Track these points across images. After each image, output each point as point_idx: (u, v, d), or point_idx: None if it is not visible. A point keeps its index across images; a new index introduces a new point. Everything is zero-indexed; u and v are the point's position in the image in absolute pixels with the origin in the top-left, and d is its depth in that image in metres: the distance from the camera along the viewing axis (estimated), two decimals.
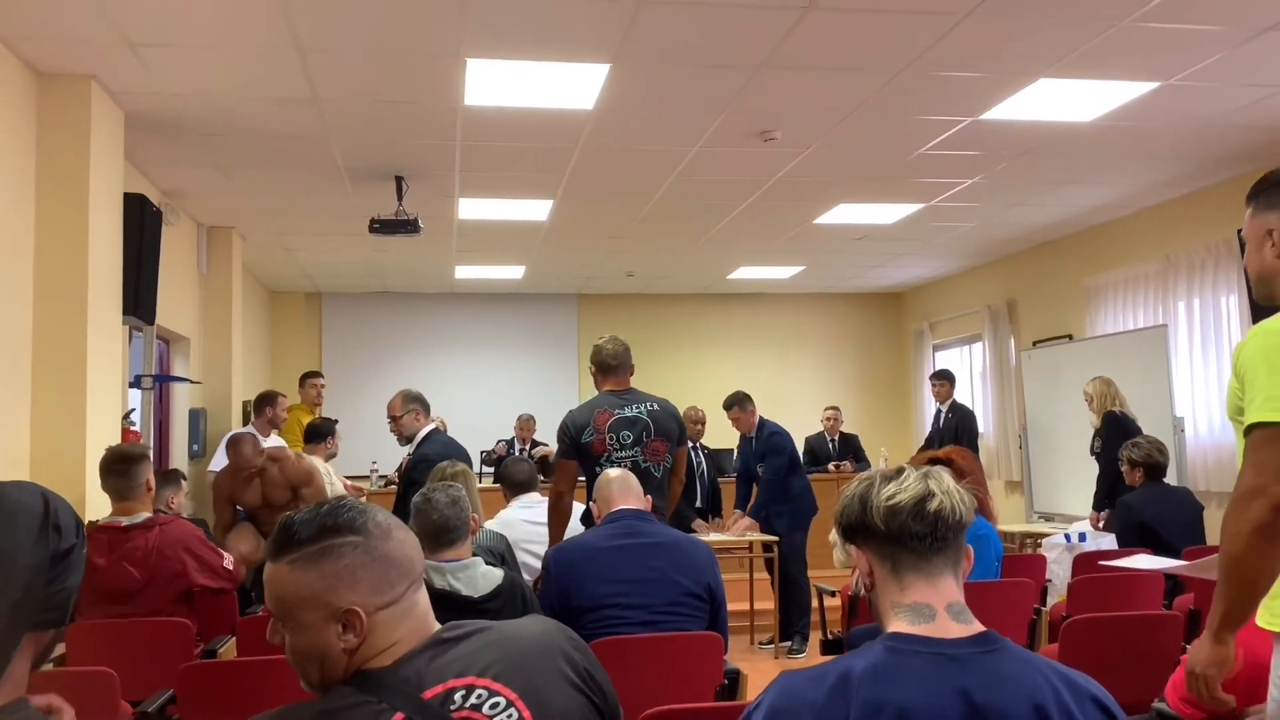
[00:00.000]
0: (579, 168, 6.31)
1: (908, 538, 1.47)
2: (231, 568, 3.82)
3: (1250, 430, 1.94)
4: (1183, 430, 7.05)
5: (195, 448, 7.43)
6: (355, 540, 1.41)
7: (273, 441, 6.17)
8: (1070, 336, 8.76)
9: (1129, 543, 5.05)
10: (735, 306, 11.76)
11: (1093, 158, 6.39)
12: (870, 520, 1.49)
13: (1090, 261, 8.49)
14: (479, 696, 1.36)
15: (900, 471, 1.54)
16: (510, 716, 1.36)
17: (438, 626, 1.46)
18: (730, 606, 3.31)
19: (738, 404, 6.82)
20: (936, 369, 9.06)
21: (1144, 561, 4.34)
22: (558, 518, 4.10)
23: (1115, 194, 7.37)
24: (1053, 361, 8.60)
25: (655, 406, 4.17)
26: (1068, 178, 6.88)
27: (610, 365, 4.25)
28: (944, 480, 1.51)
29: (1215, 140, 6.03)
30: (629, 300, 11.51)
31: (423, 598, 1.48)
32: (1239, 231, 2.23)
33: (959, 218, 7.99)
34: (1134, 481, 5.22)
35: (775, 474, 6.63)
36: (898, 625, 1.46)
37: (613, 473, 3.41)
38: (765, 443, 6.74)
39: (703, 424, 7.56)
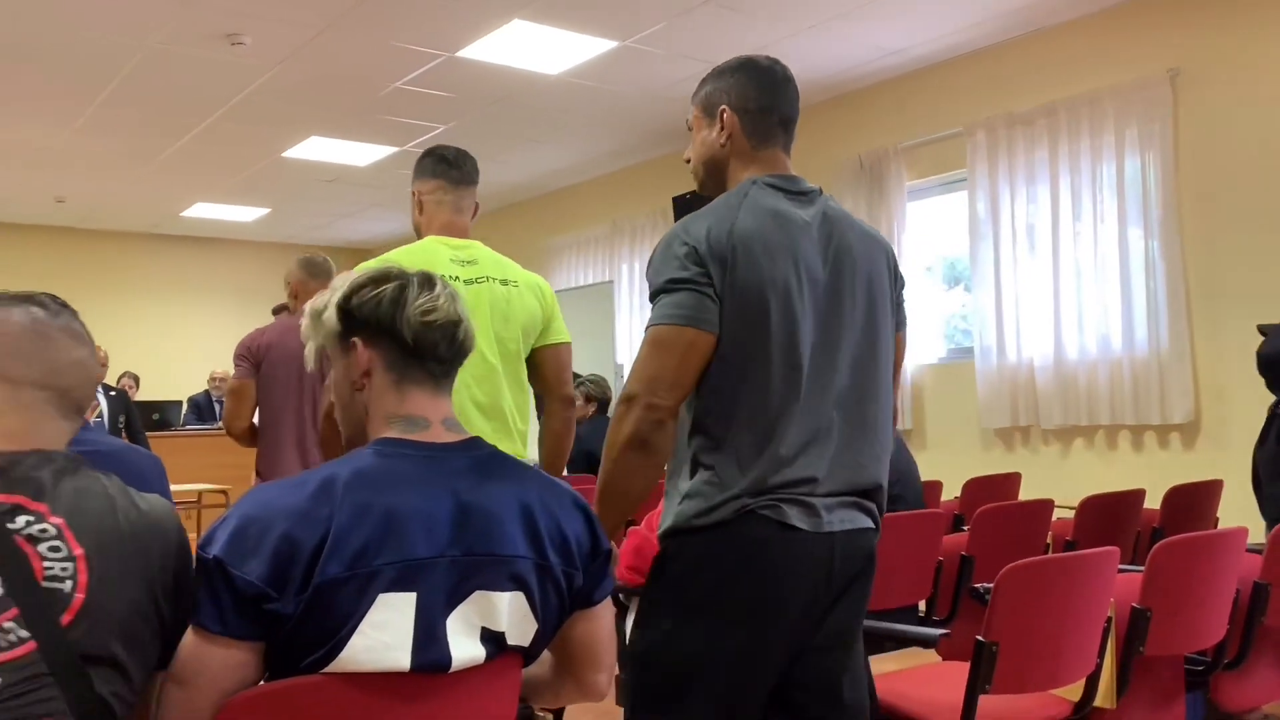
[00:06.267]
0: None
1: (429, 358, 1.40)
2: None
3: None
4: (621, 375, 7.84)
5: None
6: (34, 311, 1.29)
7: None
8: None
9: (580, 469, 5.53)
10: (191, 251, 10.78)
11: (557, 115, 6.81)
12: (397, 328, 1.38)
13: (550, 224, 9.09)
14: (42, 530, 1.17)
15: (431, 283, 1.43)
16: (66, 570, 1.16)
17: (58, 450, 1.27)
18: None
19: None
20: None
21: None
22: None
23: (573, 159, 7.94)
24: None
25: None
26: (533, 135, 7.27)
27: None
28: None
29: (658, 112, 6.74)
30: (56, 235, 10.00)
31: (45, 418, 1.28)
32: None
33: None
34: (584, 415, 5.69)
35: None
36: (389, 434, 1.39)
37: None
38: None
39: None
